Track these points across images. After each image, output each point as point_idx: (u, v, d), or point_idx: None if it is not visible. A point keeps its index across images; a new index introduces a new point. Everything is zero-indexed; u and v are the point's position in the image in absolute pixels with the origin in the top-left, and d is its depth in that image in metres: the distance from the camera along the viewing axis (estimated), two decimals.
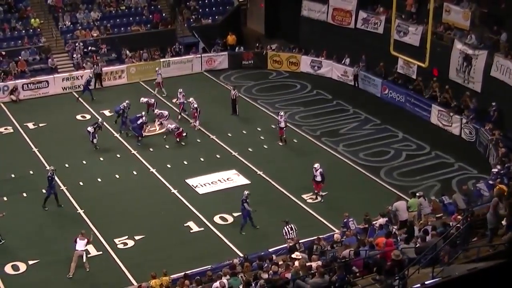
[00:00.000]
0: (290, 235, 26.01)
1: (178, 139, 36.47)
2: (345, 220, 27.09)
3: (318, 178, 30.99)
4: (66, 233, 28.39)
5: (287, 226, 26.24)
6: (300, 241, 25.48)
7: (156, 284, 22.84)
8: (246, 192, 29.03)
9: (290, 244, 25.12)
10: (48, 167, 31.84)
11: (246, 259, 23.96)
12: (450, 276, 17.06)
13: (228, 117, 40.03)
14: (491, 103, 36.00)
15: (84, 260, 25.99)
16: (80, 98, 42.27)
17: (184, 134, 36.81)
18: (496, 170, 30.18)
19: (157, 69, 44.16)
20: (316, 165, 31.02)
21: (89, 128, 35.92)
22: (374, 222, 26.55)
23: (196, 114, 38.13)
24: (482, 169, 33.40)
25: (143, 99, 39.67)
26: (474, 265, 17.20)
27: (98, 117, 39.39)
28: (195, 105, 38.11)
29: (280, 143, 36.40)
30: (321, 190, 31.19)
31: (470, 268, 17.06)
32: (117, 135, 37.47)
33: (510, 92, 35.07)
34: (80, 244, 25.89)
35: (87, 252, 26.73)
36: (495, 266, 16.60)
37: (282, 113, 36.77)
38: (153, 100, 40.06)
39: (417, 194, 28.02)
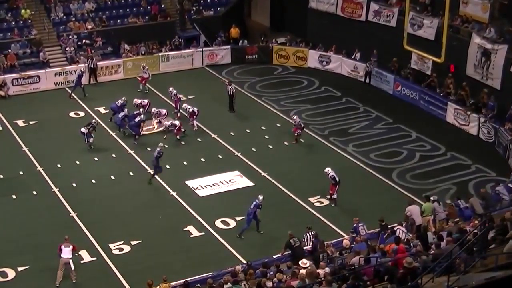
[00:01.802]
0: (310, 242, 26.22)
1: (178, 137, 36.51)
2: (354, 225, 27.14)
3: (332, 182, 31.08)
4: (58, 237, 28.24)
5: (309, 233, 26.54)
6: (294, 237, 25.79)
7: None
8: (261, 198, 28.94)
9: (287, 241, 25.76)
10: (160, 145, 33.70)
11: (249, 266, 23.98)
12: (467, 286, 17.07)
13: (231, 115, 40.04)
14: (511, 101, 35.93)
15: (73, 268, 25.69)
16: (73, 94, 42.31)
17: (183, 130, 36.88)
18: None
19: (143, 65, 44.22)
20: (327, 170, 31.10)
21: (83, 129, 35.84)
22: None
23: (194, 117, 37.95)
24: (501, 172, 33.38)
25: (137, 101, 39.54)
26: (492, 274, 17.19)
27: (93, 114, 39.52)
28: (190, 110, 37.91)
29: (289, 142, 36.36)
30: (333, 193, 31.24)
31: (488, 277, 17.05)
32: (113, 134, 37.48)
33: None
34: (66, 252, 25.54)
35: (80, 258, 26.88)
36: None
37: (294, 117, 36.98)
38: (146, 101, 39.81)
39: (431, 198, 28.02)
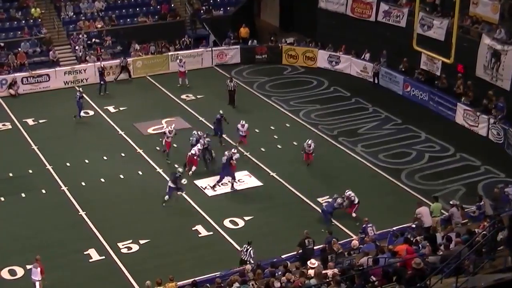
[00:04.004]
0: (249, 257, 25.87)
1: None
2: (363, 226, 27.10)
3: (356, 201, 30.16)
4: (67, 236, 28.54)
5: (247, 246, 25.88)
6: (309, 237, 25.91)
7: None
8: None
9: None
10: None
11: (258, 266, 23.98)
12: (475, 287, 17.01)
13: (240, 115, 39.95)
14: None
15: None
16: (107, 91, 42.72)
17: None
18: None
19: (180, 58, 44.54)
20: (348, 193, 30.12)
21: (171, 184, 31.25)
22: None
23: (194, 161, 33.62)
24: (510, 173, 33.29)
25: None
26: (501, 275, 17.13)
27: (102, 113, 39.68)
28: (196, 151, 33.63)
29: (298, 143, 36.26)
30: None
31: (496, 278, 17.00)
32: (122, 133, 37.54)
33: None
34: (33, 273, 24.72)
35: (88, 257, 27.15)
36: None
37: (309, 142, 34.26)
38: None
39: (450, 202, 28.09)
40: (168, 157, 34.65)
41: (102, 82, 42.62)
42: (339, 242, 25.98)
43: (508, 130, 35.81)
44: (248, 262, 25.37)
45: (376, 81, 44.11)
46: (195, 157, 33.31)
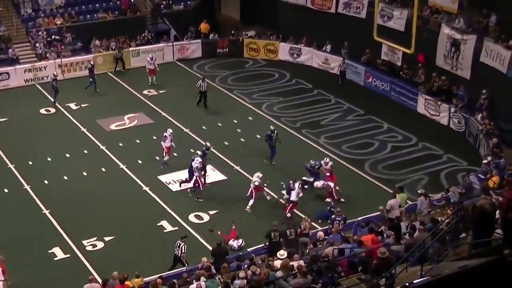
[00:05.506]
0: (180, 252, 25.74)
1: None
2: (333, 216, 27.11)
3: (293, 197, 29.27)
4: (31, 235, 28.25)
5: (180, 241, 25.77)
6: (276, 230, 25.78)
7: (127, 286, 22.76)
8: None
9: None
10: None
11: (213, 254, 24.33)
12: (440, 275, 17.09)
13: (202, 109, 39.89)
14: (481, 90, 36.14)
15: None
16: (89, 88, 42.09)
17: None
18: (486, 161, 30.32)
19: (151, 55, 43.97)
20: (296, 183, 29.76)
21: (195, 163, 31.01)
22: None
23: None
24: (472, 161, 33.57)
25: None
26: (465, 262, 17.22)
27: (64, 111, 39.34)
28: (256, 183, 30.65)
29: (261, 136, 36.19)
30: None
31: (461, 265, 17.08)
32: (84, 130, 37.23)
33: (501, 79, 35.21)
34: None
35: (53, 255, 26.95)
36: (487, 263, 16.65)
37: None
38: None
39: (419, 191, 28.16)
40: (164, 163, 33.38)
41: (91, 79, 42.08)
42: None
43: (469, 119, 36.11)
44: (182, 258, 25.43)
45: (343, 78, 43.69)
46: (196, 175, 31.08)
